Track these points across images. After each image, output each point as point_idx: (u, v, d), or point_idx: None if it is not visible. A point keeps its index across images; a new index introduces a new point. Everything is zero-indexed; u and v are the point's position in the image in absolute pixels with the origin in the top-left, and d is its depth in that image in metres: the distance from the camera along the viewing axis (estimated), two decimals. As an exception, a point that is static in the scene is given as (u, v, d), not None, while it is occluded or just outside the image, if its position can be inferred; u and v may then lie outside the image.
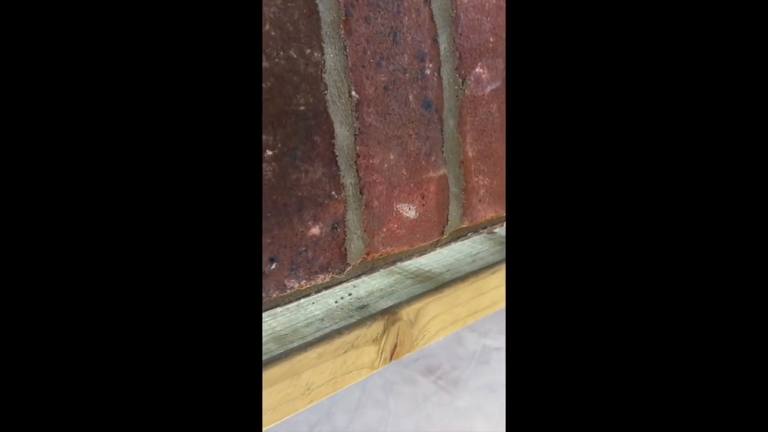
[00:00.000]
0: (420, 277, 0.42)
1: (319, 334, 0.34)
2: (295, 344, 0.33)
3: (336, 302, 0.38)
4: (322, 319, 0.36)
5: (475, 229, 0.46)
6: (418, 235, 0.41)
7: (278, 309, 0.36)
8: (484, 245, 0.47)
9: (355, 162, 0.36)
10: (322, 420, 0.64)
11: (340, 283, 0.38)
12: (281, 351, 0.33)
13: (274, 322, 0.35)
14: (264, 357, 0.32)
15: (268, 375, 0.32)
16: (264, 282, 0.33)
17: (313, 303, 0.37)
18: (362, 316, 0.37)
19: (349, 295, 0.39)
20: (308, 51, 0.32)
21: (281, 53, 0.31)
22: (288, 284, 0.34)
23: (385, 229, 0.39)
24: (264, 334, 0.35)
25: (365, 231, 0.37)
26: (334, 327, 0.35)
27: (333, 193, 0.35)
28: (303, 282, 0.35)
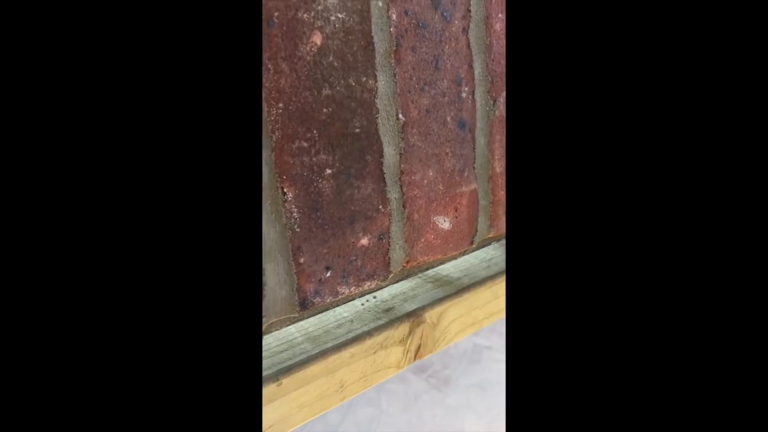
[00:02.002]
0: (439, 281, 0.45)
1: (351, 335, 0.37)
2: (330, 344, 0.36)
3: (362, 305, 0.41)
4: (352, 321, 0.39)
5: (498, 239, 0.49)
6: (450, 245, 0.45)
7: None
8: (497, 251, 0.50)
9: (400, 178, 0.39)
10: (314, 418, 0.66)
11: (382, 288, 0.41)
12: (317, 351, 0.35)
13: (306, 323, 0.38)
14: (301, 356, 0.35)
15: (306, 373, 0.35)
16: (320, 288, 0.36)
17: (341, 305, 0.40)
18: (389, 318, 0.39)
19: (374, 298, 0.42)
20: (364, 79, 0.35)
21: (342, 81, 0.34)
22: (340, 290, 0.38)
23: (423, 240, 0.42)
24: (298, 334, 0.38)
25: (406, 241, 0.41)
26: (365, 329, 0.37)
27: (380, 207, 0.38)
28: (353, 288, 0.38)
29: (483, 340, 0.74)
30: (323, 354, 0.35)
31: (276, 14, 0.30)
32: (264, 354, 0.36)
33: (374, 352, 0.38)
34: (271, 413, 0.34)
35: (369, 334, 0.37)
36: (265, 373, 0.33)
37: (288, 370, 0.34)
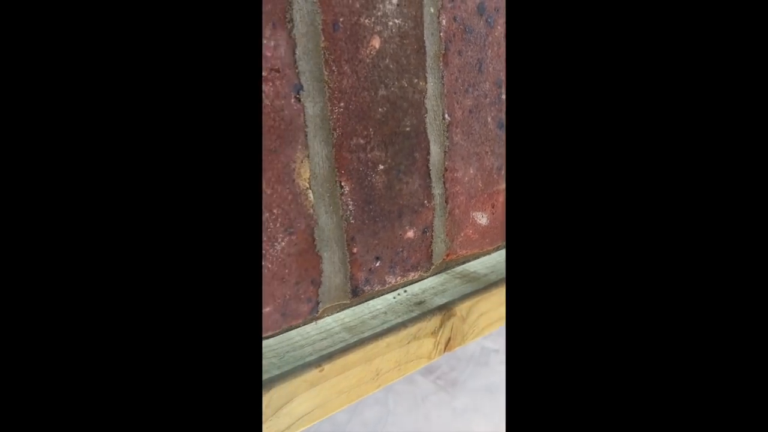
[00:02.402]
0: (467, 277, 0.47)
1: (386, 325, 0.39)
2: (367, 334, 0.38)
3: (394, 298, 0.43)
4: (386, 313, 0.41)
5: (531, 236, 0.51)
6: (487, 240, 0.47)
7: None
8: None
9: (443, 175, 0.41)
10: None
11: (424, 279, 0.43)
12: (356, 339, 0.37)
13: (342, 314, 0.40)
14: (341, 344, 0.37)
15: (346, 360, 0.37)
16: (370, 276, 0.39)
17: (375, 298, 0.42)
18: (422, 311, 0.41)
19: (405, 291, 0.44)
20: (416, 81, 0.37)
21: (396, 83, 0.36)
22: (387, 279, 0.40)
23: (462, 234, 0.44)
24: (335, 324, 0.40)
25: (447, 235, 0.43)
26: (398, 320, 0.39)
27: (425, 202, 0.40)
28: (399, 278, 0.41)
29: (491, 344, 0.75)
30: (362, 342, 0.37)
31: (341, 19, 0.32)
32: (305, 342, 0.38)
33: (408, 343, 0.40)
34: (313, 397, 0.36)
35: (404, 325, 0.39)
36: (307, 359, 0.35)
37: (330, 357, 0.35)
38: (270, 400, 0.33)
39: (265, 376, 0.34)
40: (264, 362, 0.35)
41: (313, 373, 0.35)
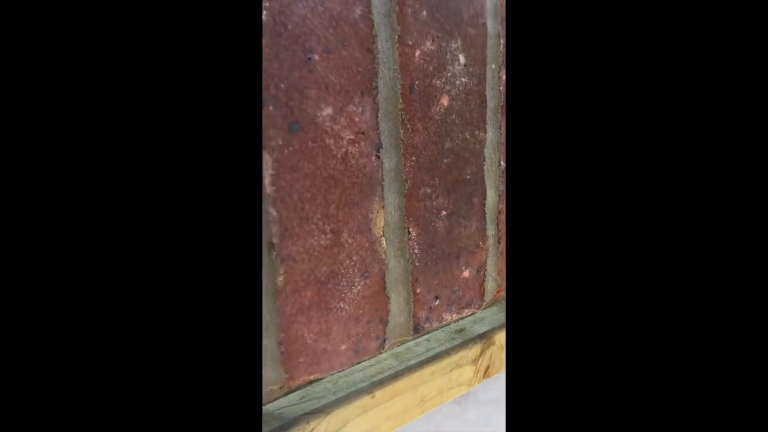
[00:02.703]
0: (503, 305, 0.49)
1: (430, 353, 0.41)
2: (413, 361, 0.40)
3: None
4: (428, 340, 0.43)
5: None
6: (533, 276, 0.49)
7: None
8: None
9: (497, 218, 0.44)
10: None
11: (475, 314, 0.46)
12: (403, 367, 0.39)
13: None
14: (388, 372, 0.39)
15: (393, 388, 0.39)
16: (430, 314, 0.41)
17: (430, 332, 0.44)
18: (463, 339, 0.43)
19: None
20: (477, 132, 0.40)
21: (460, 135, 0.39)
22: (444, 317, 0.42)
23: (511, 272, 0.47)
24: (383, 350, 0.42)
25: (498, 273, 0.45)
26: (442, 348, 0.41)
27: (480, 243, 0.43)
28: (454, 315, 0.43)
29: (504, 357, 0.76)
30: (409, 370, 0.39)
31: (417, 82, 0.35)
32: (356, 368, 0.40)
33: (450, 370, 0.42)
34: (364, 423, 0.38)
35: (447, 353, 0.41)
36: (359, 386, 0.38)
37: (380, 383, 0.38)
38: (327, 425, 0.35)
39: (321, 402, 0.36)
40: (318, 387, 0.38)
41: (365, 400, 0.37)
